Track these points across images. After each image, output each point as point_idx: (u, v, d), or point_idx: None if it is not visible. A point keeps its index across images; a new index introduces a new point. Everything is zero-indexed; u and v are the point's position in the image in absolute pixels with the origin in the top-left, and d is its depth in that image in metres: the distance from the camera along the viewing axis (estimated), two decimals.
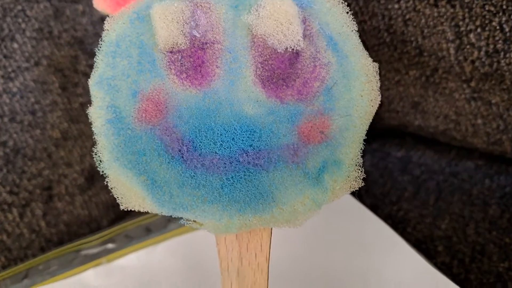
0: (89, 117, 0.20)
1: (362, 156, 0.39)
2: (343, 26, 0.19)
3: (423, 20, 0.29)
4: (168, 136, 0.19)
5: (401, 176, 0.35)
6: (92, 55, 0.41)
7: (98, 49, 0.20)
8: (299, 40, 0.18)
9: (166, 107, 0.19)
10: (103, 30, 0.20)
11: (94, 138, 0.19)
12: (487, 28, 0.27)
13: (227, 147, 0.18)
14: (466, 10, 0.27)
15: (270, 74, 0.19)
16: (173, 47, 0.19)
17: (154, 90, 0.19)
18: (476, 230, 0.29)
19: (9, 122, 0.36)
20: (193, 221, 0.19)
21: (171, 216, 0.19)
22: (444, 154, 0.36)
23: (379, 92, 0.19)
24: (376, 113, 0.38)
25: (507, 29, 0.26)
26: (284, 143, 0.18)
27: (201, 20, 0.19)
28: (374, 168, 0.36)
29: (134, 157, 0.19)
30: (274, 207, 0.18)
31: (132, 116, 0.19)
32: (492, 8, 0.26)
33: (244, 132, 0.18)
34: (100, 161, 0.19)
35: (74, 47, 0.40)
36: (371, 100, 0.19)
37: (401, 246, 0.26)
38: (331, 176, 0.18)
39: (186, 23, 0.19)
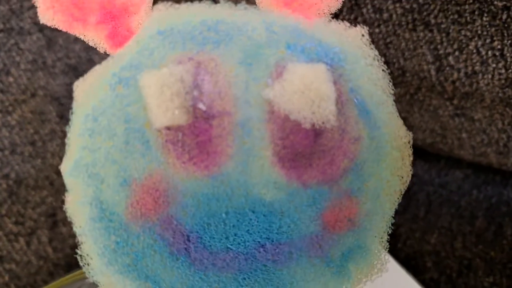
0: (67, 212, 0.16)
1: None
2: (378, 89, 0.16)
3: (403, 44, 0.29)
4: (170, 233, 0.15)
5: None
6: None
7: (69, 126, 0.16)
8: (330, 119, 0.15)
9: (166, 197, 0.15)
10: (73, 99, 0.16)
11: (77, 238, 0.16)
12: (464, 51, 0.27)
13: (242, 242, 0.15)
14: (444, 34, 0.27)
15: (291, 152, 0.15)
16: (172, 125, 0.14)
17: (149, 177, 0.15)
18: (464, 244, 0.30)
19: (10, 154, 0.37)
20: None
21: None
22: (433, 163, 0.37)
23: (411, 168, 0.17)
24: None
25: (483, 53, 0.27)
26: (306, 234, 0.15)
27: (206, 85, 0.14)
28: None
29: (131, 260, 0.15)
30: None
31: (124, 212, 0.15)
32: (468, 33, 0.27)
33: (261, 222, 0.15)
34: (87, 264, 0.16)
35: (68, 74, 0.41)
36: (402, 177, 0.17)
37: (393, 267, 0.27)
38: (355, 265, 0.16)
39: (187, 93, 0.14)
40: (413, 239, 0.31)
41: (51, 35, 0.40)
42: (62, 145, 0.40)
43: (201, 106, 0.14)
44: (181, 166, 0.15)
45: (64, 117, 0.40)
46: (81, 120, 0.15)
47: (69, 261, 0.40)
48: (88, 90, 0.16)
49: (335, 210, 0.15)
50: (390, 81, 0.17)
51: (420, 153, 0.38)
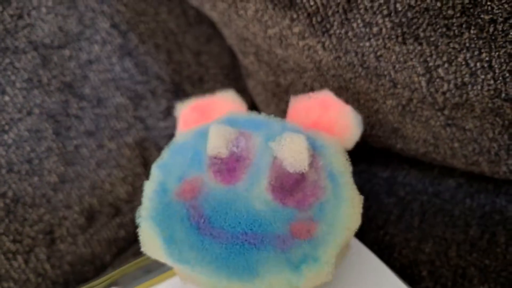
0: (143, 188, 0.26)
1: None
2: (341, 166, 0.25)
3: (393, 57, 0.30)
4: (193, 210, 0.24)
5: (387, 198, 0.36)
6: (83, 97, 0.42)
7: (167, 146, 0.27)
8: (304, 166, 0.24)
9: (199, 191, 0.25)
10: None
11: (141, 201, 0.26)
12: (453, 64, 0.28)
13: (233, 227, 0.23)
14: (433, 47, 0.28)
15: (279, 185, 0.24)
16: (217, 155, 0.25)
17: (194, 178, 0.25)
18: (458, 253, 0.30)
19: (7, 173, 0.37)
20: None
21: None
22: (427, 173, 0.37)
23: (360, 217, 0.24)
24: (360, 137, 0.39)
25: (472, 64, 0.27)
26: (277, 233, 0.23)
27: (241, 143, 0.26)
28: (361, 191, 0.37)
29: (164, 218, 0.24)
30: (256, 278, 0.22)
31: (173, 192, 0.25)
32: (456, 46, 0.27)
33: (249, 219, 0.23)
34: (139, 216, 0.25)
35: (64, 92, 0.41)
36: (353, 221, 0.24)
37: (388, 277, 0.28)
38: (308, 268, 0.22)
39: (230, 142, 0.25)
40: (408, 248, 0.32)
41: (46, 53, 0.40)
42: (59, 162, 0.40)
43: (235, 149, 0.25)
44: (214, 178, 0.25)
45: (60, 134, 0.40)
46: (174, 145, 0.27)
47: (67, 278, 0.40)
48: (183, 134, 0.28)
49: (300, 224, 0.23)
50: (348, 160, 0.26)
51: (414, 162, 0.38)
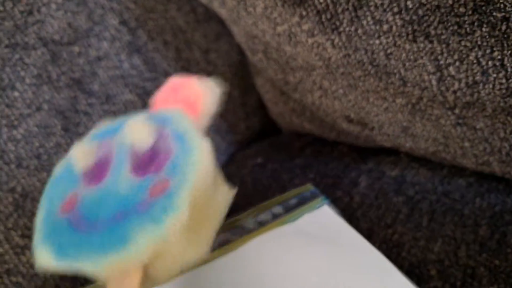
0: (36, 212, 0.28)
1: (357, 177, 0.40)
2: (184, 126, 0.28)
3: (404, 55, 0.29)
4: (73, 217, 0.27)
5: (395, 197, 0.36)
6: (91, 93, 0.42)
7: (50, 177, 0.30)
8: (149, 140, 0.28)
9: (76, 202, 0.28)
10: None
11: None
12: (465, 62, 0.28)
13: (106, 215, 0.26)
14: (444, 45, 0.28)
15: (137, 164, 0.28)
16: (85, 167, 0.29)
17: (72, 194, 0.28)
18: (467, 253, 0.30)
19: (16, 168, 0.37)
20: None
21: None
22: (437, 172, 0.37)
23: (208, 163, 0.27)
24: (369, 135, 0.39)
25: (483, 63, 0.27)
26: (141, 200, 0.26)
27: (103, 148, 0.30)
28: (370, 190, 0.37)
29: (51, 236, 0.27)
30: (128, 243, 0.25)
31: (56, 212, 0.28)
32: (468, 44, 0.27)
33: (116, 202, 0.27)
34: (34, 244, 0.27)
35: (73, 88, 0.41)
36: (202, 163, 0.27)
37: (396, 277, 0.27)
38: (167, 216, 0.25)
39: (93, 152, 0.29)
40: (416, 247, 0.31)
41: (55, 49, 0.40)
42: None
43: (99, 155, 0.29)
44: (86, 184, 0.28)
45: (69, 130, 0.40)
46: (51, 179, 0.29)
47: (75, 274, 0.40)
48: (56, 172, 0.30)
49: (156, 185, 0.26)
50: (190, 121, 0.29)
51: (423, 162, 0.38)
